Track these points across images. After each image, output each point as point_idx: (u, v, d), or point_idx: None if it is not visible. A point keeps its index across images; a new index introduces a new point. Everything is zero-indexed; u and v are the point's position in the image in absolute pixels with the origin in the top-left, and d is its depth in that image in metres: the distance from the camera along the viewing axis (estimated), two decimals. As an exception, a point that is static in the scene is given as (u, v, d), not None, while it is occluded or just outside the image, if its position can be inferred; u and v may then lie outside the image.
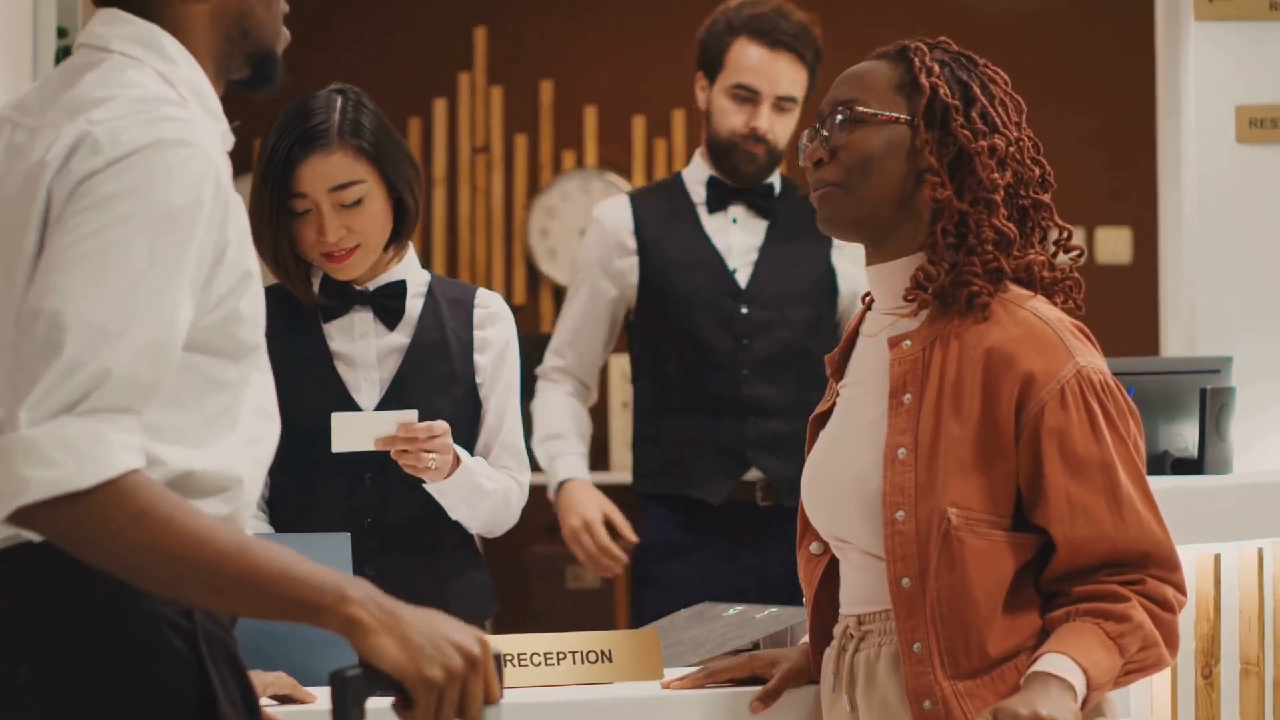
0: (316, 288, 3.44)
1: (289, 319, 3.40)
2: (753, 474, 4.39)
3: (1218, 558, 3.48)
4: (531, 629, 3.13)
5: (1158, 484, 2.77)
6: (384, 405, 3.39)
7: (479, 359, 3.48)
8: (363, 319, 3.45)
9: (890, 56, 2.77)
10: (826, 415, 2.84)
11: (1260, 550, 3.51)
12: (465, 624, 2.11)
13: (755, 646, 3.08)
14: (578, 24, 7.55)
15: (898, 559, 2.64)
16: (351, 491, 3.39)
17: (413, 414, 3.24)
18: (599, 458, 6.95)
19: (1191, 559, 3.42)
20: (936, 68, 2.72)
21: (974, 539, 2.62)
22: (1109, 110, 7.33)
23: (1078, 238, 7.01)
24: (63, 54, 4.48)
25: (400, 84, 7.31)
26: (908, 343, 2.71)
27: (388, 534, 3.39)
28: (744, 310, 4.42)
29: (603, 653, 2.98)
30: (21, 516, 2.03)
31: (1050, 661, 2.56)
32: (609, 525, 4.39)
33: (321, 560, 2.10)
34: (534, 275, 7.58)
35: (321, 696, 2.82)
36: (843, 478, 2.73)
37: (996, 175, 2.70)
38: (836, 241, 4.29)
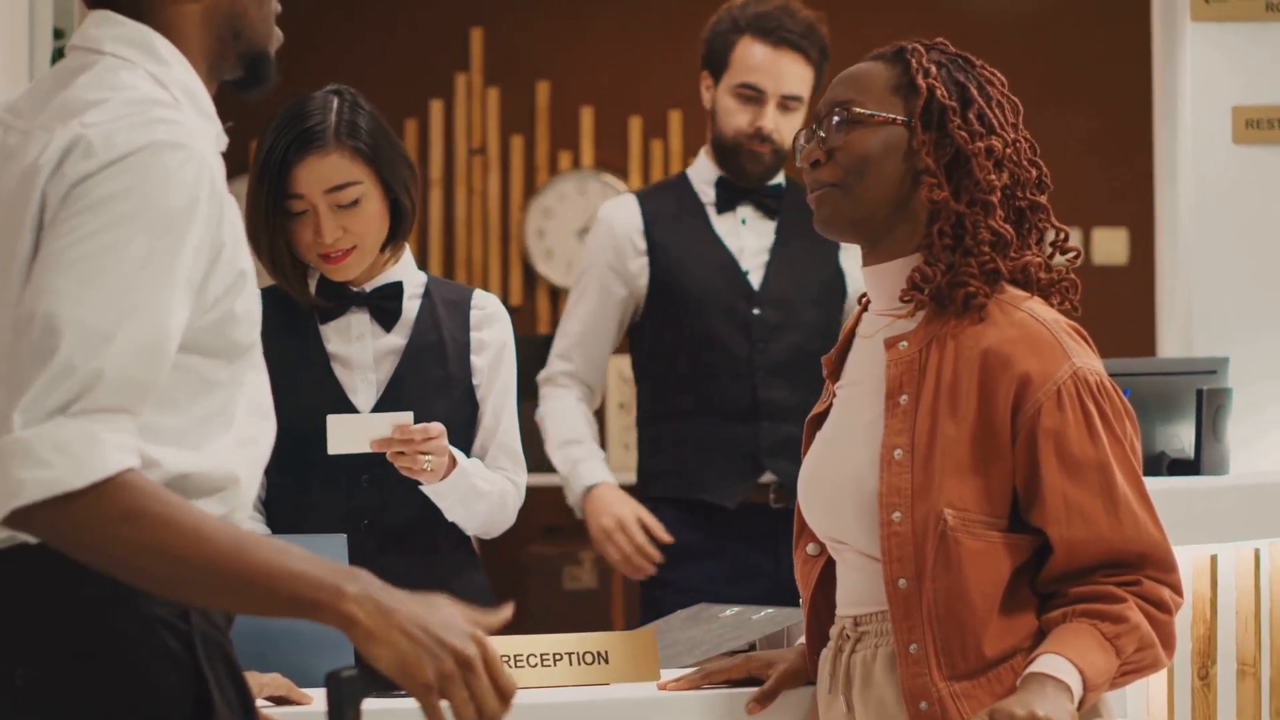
0: (313, 289, 3.44)
1: (285, 320, 3.40)
2: (766, 477, 4.35)
3: (1214, 558, 3.48)
4: (528, 630, 3.12)
5: (1154, 485, 2.77)
6: (381, 407, 3.39)
7: (476, 360, 3.48)
8: (359, 320, 3.45)
9: (887, 57, 2.77)
10: (823, 416, 2.84)
11: (1257, 551, 3.51)
12: (467, 617, 2.10)
13: (752, 648, 3.08)
14: (574, 25, 7.55)
15: (894, 560, 2.64)
16: (349, 493, 3.39)
17: (408, 416, 3.24)
18: (596, 459, 6.93)
19: (1188, 560, 3.42)
20: (934, 69, 2.72)
21: (970, 540, 2.62)
22: (1106, 111, 7.33)
23: (1074, 238, 7.00)
24: (59, 55, 4.47)
25: (397, 85, 7.30)
26: (904, 344, 2.71)
27: (385, 535, 3.39)
28: (756, 312, 4.38)
29: (599, 654, 2.97)
30: (17, 518, 2.03)
31: (1047, 662, 2.56)
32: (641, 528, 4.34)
33: (318, 561, 2.10)
34: (530, 276, 7.58)
35: (318, 698, 2.82)
36: (839, 479, 2.73)
37: (993, 176, 2.70)
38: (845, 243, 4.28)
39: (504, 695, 2.07)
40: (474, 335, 3.48)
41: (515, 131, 7.57)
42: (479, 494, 3.36)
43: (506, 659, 2.93)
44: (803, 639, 2.90)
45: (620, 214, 4.48)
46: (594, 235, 4.51)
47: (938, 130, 2.71)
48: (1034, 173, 2.75)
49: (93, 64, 2.21)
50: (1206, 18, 4.21)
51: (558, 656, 2.96)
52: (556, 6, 7.57)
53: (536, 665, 2.94)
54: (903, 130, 2.71)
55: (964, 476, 2.63)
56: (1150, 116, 4.50)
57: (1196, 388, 3.77)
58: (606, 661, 2.97)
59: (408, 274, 3.48)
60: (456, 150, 7.56)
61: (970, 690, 2.61)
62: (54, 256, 2.07)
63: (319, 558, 2.08)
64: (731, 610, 3.27)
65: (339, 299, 3.44)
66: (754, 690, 2.91)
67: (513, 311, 3.81)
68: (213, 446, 2.18)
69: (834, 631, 2.79)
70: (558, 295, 7.51)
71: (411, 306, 3.46)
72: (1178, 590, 2.66)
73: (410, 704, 2.73)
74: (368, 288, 3.45)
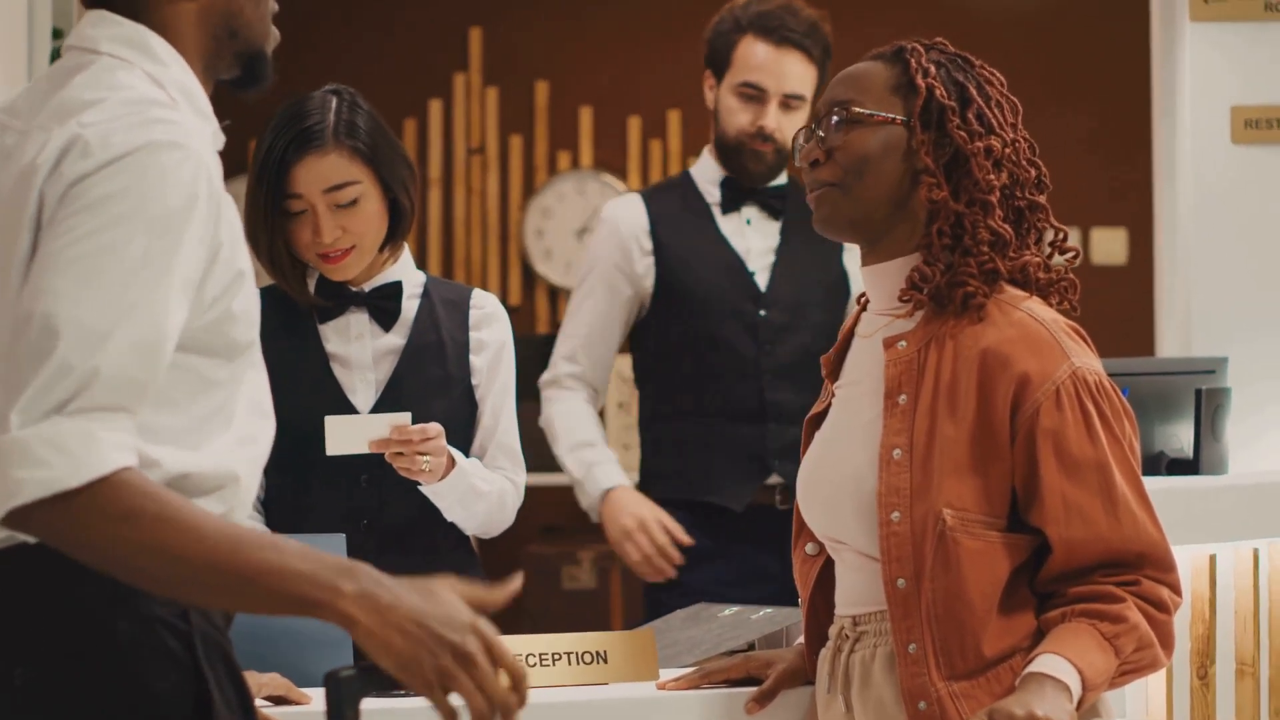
0: (312, 289, 3.44)
1: (284, 320, 3.39)
2: (772, 479, 4.33)
3: (1213, 558, 3.48)
4: (527, 629, 3.13)
5: (1153, 484, 2.77)
6: (380, 406, 3.39)
7: (475, 360, 3.47)
8: (358, 320, 3.45)
9: (886, 57, 2.77)
10: (822, 416, 2.84)
11: (1256, 551, 3.51)
12: (469, 596, 2.09)
13: (751, 647, 3.08)
14: (573, 25, 7.55)
15: (893, 560, 2.64)
16: (348, 493, 3.39)
17: (406, 416, 3.24)
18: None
19: (1187, 559, 3.42)
20: (933, 69, 2.72)
21: (969, 540, 2.62)
22: (1105, 111, 7.33)
23: (1073, 238, 7.01)
24: (58, 56, 4.46)
25: (396, 85, 7.31)
26: (903, 344, 2.71)
27: (384, 535, 3.38)
28: (763, 314, 4.37)
29: (598, 653, 2.97)
30: (15, 518, 2.03)
31: (1046, 662, 2.56)
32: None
33: (317, 561, 2.10)
34: (529, 276, 7.58)
35: (317, 698, 2.82)
36: (838, 478, 2.73)
37: (992, 176, 2.70)
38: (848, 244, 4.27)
39: (515, 680, 2.07)
40: (473, 335, 3.48)
41: (514, 131, 7.58)
42: (478, 494, 3.36)
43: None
44: (801, 639, 2.90)
45: (626, 213, 4.45)
46: (599, 235, 4.47)
47: (937, 130, 2.71)
48: (1033, 172, 2.75)
49: (89, 64, 2.21)
50: (1205, 18, 4.21)
51: (556, 656, 2.96)
52: (555, 6, 7.57)
53: (535, 665, 2.94)
54: (902, 130, 2.71)
55: (963, 476, 2.63)
56: (1149, 116, 4.50)
57: (1195, 387, 3.77)
58: (605, 661, 2.97)
59: (407, 274, 3.48)
60: (455, 150, 7.56)
61: (969, 690, 2.61)
62: (52, 256, 2.07)
63: (319, 553, 2.07)
64: (730, 610, 3.27)
65: (338, 299, 3.44)
66: (753, 690, 2.91)
67: (511, 311, 3.81)
68: (212, 446, 2.18)
69: (833, 631, 2.79)
70: (557, 295, 7.51)
71: (410, 306, 3.46)
72: (1176, 590, 2.66)
73: (409, 704, 2.74)
74: (367, 287, 3.45)
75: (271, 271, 3.41)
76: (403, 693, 2.09)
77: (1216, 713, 3.50)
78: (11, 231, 2.13)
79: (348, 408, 3.38)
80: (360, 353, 3.43)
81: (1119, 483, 2.63)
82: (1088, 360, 2.67)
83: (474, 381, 3.47)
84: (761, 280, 4.39)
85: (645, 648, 2.99)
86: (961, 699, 2.61)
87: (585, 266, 4.48)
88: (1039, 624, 2.64)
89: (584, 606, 6.85)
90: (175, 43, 2.24)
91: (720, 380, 4.35)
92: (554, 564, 6.98)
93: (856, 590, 2.74)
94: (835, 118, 2.73)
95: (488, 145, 7.56)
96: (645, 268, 4.40)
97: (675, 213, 4.44)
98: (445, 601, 2.07)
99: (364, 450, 3.24)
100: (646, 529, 4.28)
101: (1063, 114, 7.09)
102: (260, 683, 2.80)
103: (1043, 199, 2.76)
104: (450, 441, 3.29)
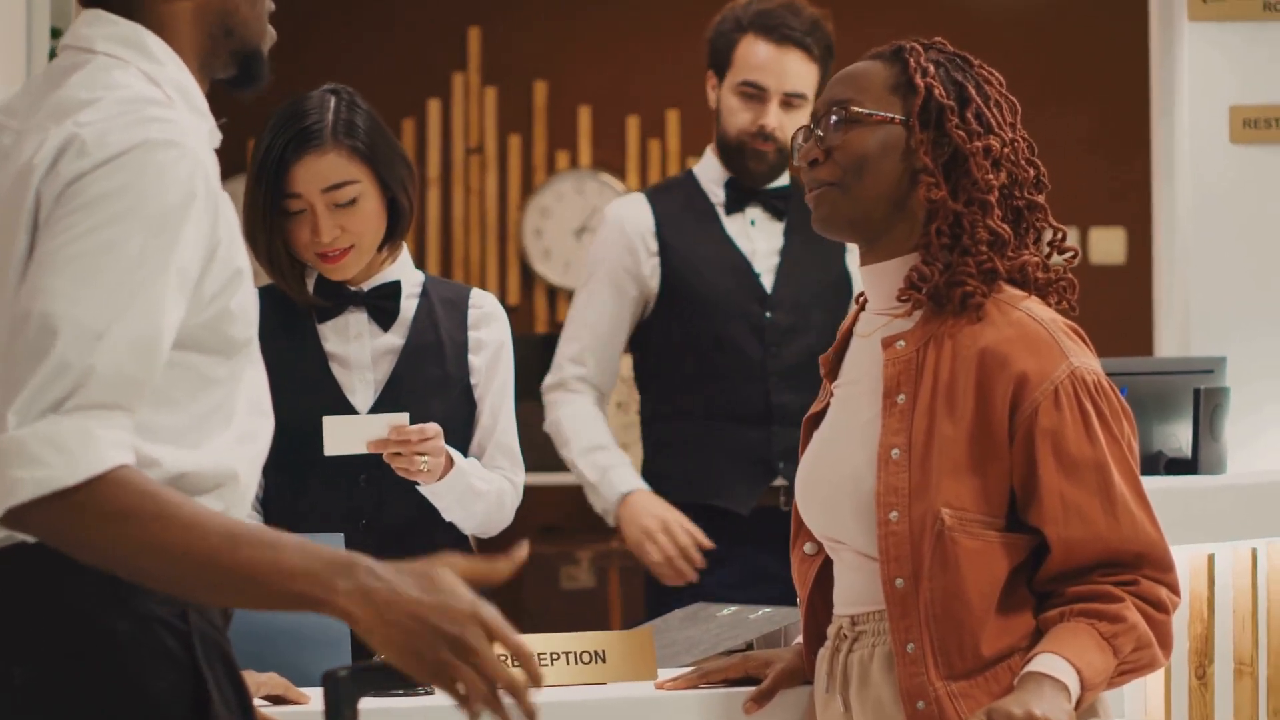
0: (311, 288, 3.44)
1: (283, 320, 3.39)
2: (777, 481, 4.31)
3: (1211, 558, 3.48)
4: (525, 629, 3.11)
5: (1151, 484, 2.77)
6: (379, 406, 3.39)
7: (473, 360, 3.47)
8: (357, 320, 3.44)
9: (885, 57, 2.77)
10: (820, 415, 2.84)
11: (1254, 550, 3.51)
12: (470, 571, 2.09)
13: (749, 647, 3.08)
14: (572, 24, 7.56)
15: (891, 559, 2.64)
16: (347, 493, 3.39)
17: (404, 416, 3.24)
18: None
19: (1185, 559, 3.42)
20: (932, 68, 2.72)
21: (968, 539, 2.62)
22: (1103, 111, 7.33)
23: (1072, 238, 7.00)
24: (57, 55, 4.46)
25: (394, 84, 7.31)
26: (901, 343, 2.70)
27: (383, 535, 3.38)
28: (769, 315, 4.35)
29: (597, 653, 2.97)
30: (13, 518, 2.03)
31: (1044, 662, 2.56)
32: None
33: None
34: (528, 275, 7.59)
35: (315, 697, 2.81)
36: (837, 478, 2.73)
37: (991, 176, 2.70)
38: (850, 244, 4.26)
39: (521, 659, 2.06)
40: (472, 334, 3.48)
41: (513, 131, 7.58)
42: (476, 494, 3.36)
43: (504, 659, 2.92)
44: (800, 638, 2.90)
45: (631, 213, 4.41)
46: (603, 235, 4.43)
47: (935, 129, 2.70)
48: (1031, 172, 2.75)
49: (85, 63, 2.21)
50: (1204, 17, 4.21)
51: (555, 656, 2.96)
52: (554, 6, 7.57)
53: (534, 665, 2.94)
54: (900, 129, 2.71)
55: (961, 476, 2.63)
56: (1148, 116, 4.50)
57: (1194, 387, 3.77)
58: (604, 661, 2.97)
59: (405, 273, 3.48)
60: (454, 149, 7.57)
61: (967, 690, 2.61)
62: (49, 255, 2.07)
63: (317, 547, 2.06)
64: (729, 610, 3.27)
65: (337, 298, 3.44)
66: (751, 689, 2.91)
67: (510, 311, 3.80)
68: (212, 444, 2.18)
69: (831, 631, 2.79)
70: (555, 295, 7.52)
71: (409, 306, 3.46)
72: (1175, 590, 2.66)
73: (409, 704, 2.74)
74: (365, 287, 3.45)
75: (270, 271, 3.41)
76: (401, 693, 2.09)
77: (1215, 712, 3.50)
78: (9, 231, 2.13)
79: (346, 407, 3.38)
80: (359, 352, 3.43)
81: (1117, 482, 2.63)
82: (1086, 360, 2.67)
83: (473, 381, 3.47)
84: (767, 282, 4.37)
85: (644, 647, 2.99)
86: (960, 698, 2.61)
87: (589, 267, 4.45)
88: (1037, 624, 2.64)
89: (583, 606, 6.86)
90: (171, 41, 2.24)
91: (726, 382, 4.33)
92: (553, 564, 6.98)
93: (855, 590, 2.74)
94: (834, 117, 2.73)
95: (486, 145, 7.57)
96: (651, 268, 4.37)
97: (680, 213, 4.41)
98: (444, 589, 2.07)
99: (362, 450, 3.24)
100: (669, 530, 4.25)
101: (1062, 114, 7.09)
102: (259, 682, 2.80)
103: (1041, 198, 2.76)
104: (449, 441, 3.29)
